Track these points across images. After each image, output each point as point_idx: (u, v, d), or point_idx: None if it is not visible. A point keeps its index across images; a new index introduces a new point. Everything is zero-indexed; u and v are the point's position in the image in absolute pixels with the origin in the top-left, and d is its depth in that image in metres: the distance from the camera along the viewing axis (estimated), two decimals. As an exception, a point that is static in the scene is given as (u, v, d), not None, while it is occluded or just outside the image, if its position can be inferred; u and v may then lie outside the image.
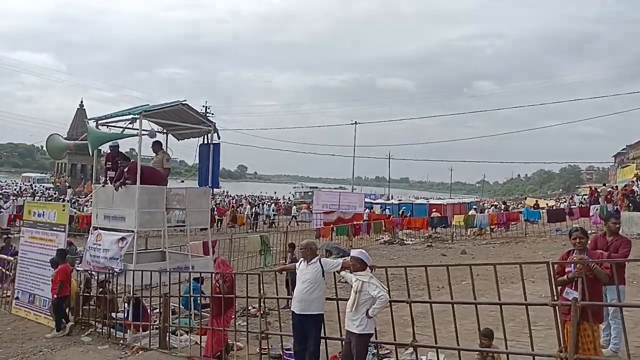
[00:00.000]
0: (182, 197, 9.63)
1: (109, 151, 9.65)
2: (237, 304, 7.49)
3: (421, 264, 9.99)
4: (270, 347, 6.61)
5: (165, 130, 10.50)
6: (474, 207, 37.27)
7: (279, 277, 7.53)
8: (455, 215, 26.45)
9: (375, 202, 38.42)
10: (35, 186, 43.67)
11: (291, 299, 6.01)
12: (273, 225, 30.32)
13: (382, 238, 23.40)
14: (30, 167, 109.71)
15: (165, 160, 9.87)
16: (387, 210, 33.09)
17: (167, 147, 10.43)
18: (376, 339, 5.85)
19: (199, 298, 8.39)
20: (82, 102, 47.25)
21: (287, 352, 6.33)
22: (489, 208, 33.62)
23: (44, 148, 12.01)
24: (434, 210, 32.53)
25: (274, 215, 32.06)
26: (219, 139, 10.30)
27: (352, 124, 50.89)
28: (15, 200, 27.75)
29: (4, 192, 35.66)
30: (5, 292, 10.97)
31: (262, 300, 6.82)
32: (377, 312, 5.20)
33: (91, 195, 11.22)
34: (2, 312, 10.23)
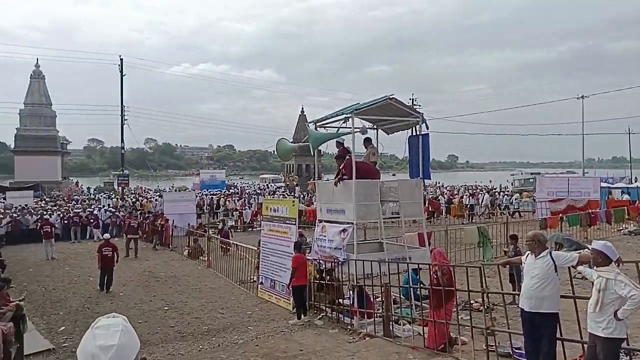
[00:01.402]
0: (395, 189, 9.80)
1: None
2: (457, 297, 7.26)
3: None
4: (497, 344, 6.21)
5: (375, 126, 10.81)
6: None
7: (502, 271, 7.02)
8: None
9: (613, 186, 33.11)
10: (271, 185, 50.26)
11: (518, 294, 5.52)
12: (492, 216, 28.72)
13: (626, 228, 19.99)
14: (265, 169, 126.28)
15: (372, 155, 10.16)
16: (628, 195, 28.20)
17: (377, 142, 10.74)
18: (628, 344, 4.97)
19: (418, 289, 8.42)
20: (302, 108, 52.44)
21: (517, 350, 5.86)
22: None
23: (275, 152, 13.63)
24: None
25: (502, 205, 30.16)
26: (427, 129, 10.16)
27: (578, 98, 44.84)
28: (256, 199, 32.25)
29: (247, 192, 41.88)
30: (252, 277, 12.80)
31: (485, 294, 6.46)
32: (629, 314, 4.40)
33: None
34: (251, 295, 11.93)
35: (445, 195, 33.54)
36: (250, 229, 25.30)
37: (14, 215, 22.29)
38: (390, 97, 9.69)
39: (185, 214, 22.70)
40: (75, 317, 10.26)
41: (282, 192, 39.75)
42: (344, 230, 9.13)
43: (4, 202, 29.51)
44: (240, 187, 48.74)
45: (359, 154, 10.21)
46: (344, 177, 9.34)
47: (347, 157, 9.54)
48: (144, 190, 43.51)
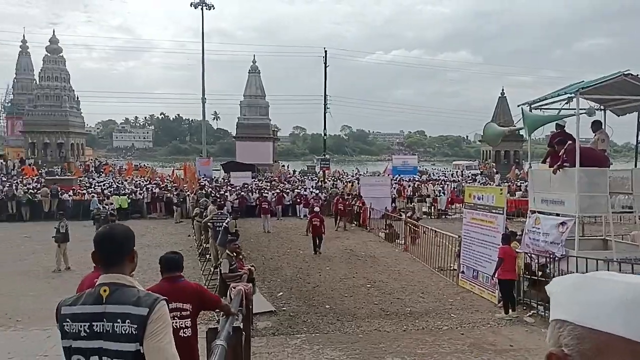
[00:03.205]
0: (627, 180, 8.52)
1: (554, 131, 9.44)
2: None
3: None
4: None
5: (602, 107, 9.53)
6: None
7: None
8: None
9: None
10: (464, 172, 48.49)
11: None
12: None
13: None
14: (457, 155, 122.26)
15: (601, 141, 8.95)
16: None
17: (605, 125, 9.44)
18: None
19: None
20: (502, 90, 49.22)
21: None
22: None
23: (482, 136, 12.98)
24: None
25: None
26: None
27: None
28: (449, 185, 31.51)
29: (439, 178, 41.16)
30: (452, 265, 12.56)
31: None
32: None
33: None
34: (451, 283, 11.73)
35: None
36: (444, 216, 24.88)
37: (241, 192, 25.90)
38: (626, 72, 8.42)
39: (380, 197, 23.38)
40: (290, 285, 11.43)
41: (479, 180, 38.00)
42: (563, 224, 8.32)
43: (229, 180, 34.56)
44: (433, 173, 48.16)
45: (584, 140, 9.13)
46: (565, 164, 8.45)
47: (569, 142, 8.61)
48: (341, 174, 46.12)
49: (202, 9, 51.87)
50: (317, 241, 15.21)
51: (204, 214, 15.69)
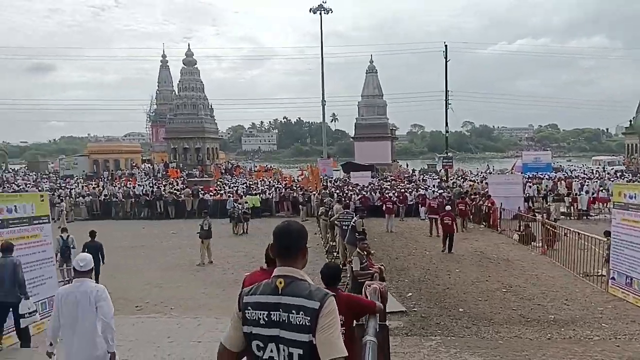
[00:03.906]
0: None
1: None
2: None
3: None
4: None
5: None
6: None
7: None
8: None
9: None
10: (606, 168, 43.63)
11: None
12: None
13: None
14: (596, 150, 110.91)
15: None
16: None
17: None
18: None
19: None
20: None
21: None
22: None
23: (630, 127, 11.57)
24: None
25: None
26: None
27: None
28: (593, 183, 28.56)
29: (579, 175, 37.50)
30: (599, 271, 11.39)
31: None
32: None
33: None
34: (599, 290, 10.65)
35: None
36: (585, 217, 22.65)
37: (363, 192, 26.18)
38: None
39: (511, 197, 22.00)
40: (419, 286, 11.24)
41: (626, 177, 33.99)
42: None
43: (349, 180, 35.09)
44: (569, 170, 44.07)
45: None
46: None
47: None
48: (464, 172, 44.28)
49: (320, 13, 53.34)
50: (449, 240, 15.07)
51: (330, 213, 16.10)
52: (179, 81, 52.15)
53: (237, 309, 2.25)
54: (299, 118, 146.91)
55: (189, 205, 26.57)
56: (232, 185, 33.61)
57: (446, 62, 36.60)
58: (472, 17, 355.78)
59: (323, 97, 55.58)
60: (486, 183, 26.52)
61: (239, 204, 22.03)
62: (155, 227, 23.25)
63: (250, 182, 34.88)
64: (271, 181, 35.88)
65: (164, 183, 34.14)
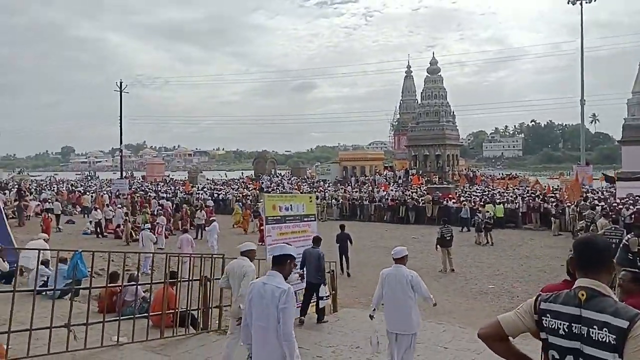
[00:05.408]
0: None
1: None
2: None
3: None
4: None
5: None
6: None
7: None
8: None
9: None
10: None
11: None
12: None
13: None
14: None
15: None
16: None
17: None
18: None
19: None
20: None
21: None
22: None
23: None
24: None
25: None
26: None
27: None
28: None
29: None
30: None
31: None
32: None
33: None
34: None
35: None
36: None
37: (637, 206, 21.78)
38: None
39: None
40: None
41: None
42: None
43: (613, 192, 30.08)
44: None
45: None
46: None
47: None
48: None
49: (581, 3, 47.42)
50: None
51: (591, 227, 14.19)
52: (422, 90, 53.23)
53: (532, 308, 2.25)
54: (550, 120, 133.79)
55: (429, 212, 26.86)
56: (474, 193, 32.57)
57: None
58: None
59: (582, 96, 49.22)
60: None
61: (480, 212, 21.15)
62: (396, 231, 24.22)
63: (495, 191, 33.12)
64: (516, 189, 33.44)
65: (408, 189, 35.13)
